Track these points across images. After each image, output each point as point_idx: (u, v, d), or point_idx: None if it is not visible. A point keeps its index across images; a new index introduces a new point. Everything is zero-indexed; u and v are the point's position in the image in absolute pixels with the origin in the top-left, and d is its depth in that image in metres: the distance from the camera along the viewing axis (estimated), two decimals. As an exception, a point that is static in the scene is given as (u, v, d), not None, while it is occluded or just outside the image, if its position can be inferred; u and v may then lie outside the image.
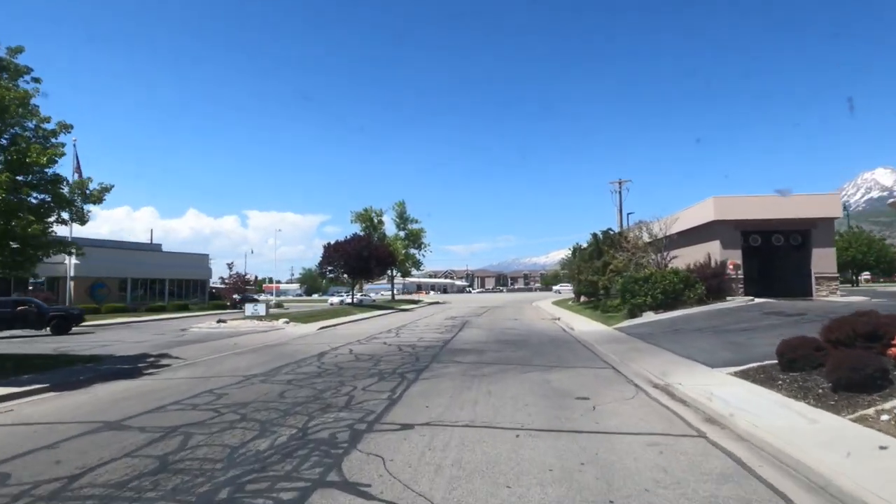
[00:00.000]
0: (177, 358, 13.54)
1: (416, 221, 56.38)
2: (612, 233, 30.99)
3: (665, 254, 25.08)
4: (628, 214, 52.43)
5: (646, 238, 26.49)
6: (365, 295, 66.33)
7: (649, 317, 20.79)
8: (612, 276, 28.73)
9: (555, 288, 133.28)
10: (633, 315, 21.74)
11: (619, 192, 54.45)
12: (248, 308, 23.45)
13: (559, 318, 26.70)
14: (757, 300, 21.41)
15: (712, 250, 24.49)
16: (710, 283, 22.45)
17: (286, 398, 8.18)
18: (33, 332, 21.90)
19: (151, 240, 66.26)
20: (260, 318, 23.55)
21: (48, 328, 21.85)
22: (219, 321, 23.31)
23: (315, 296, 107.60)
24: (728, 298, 22.30)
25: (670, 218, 26.00)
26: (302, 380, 9.78)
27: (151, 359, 13.25)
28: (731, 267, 23.35)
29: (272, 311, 48.96)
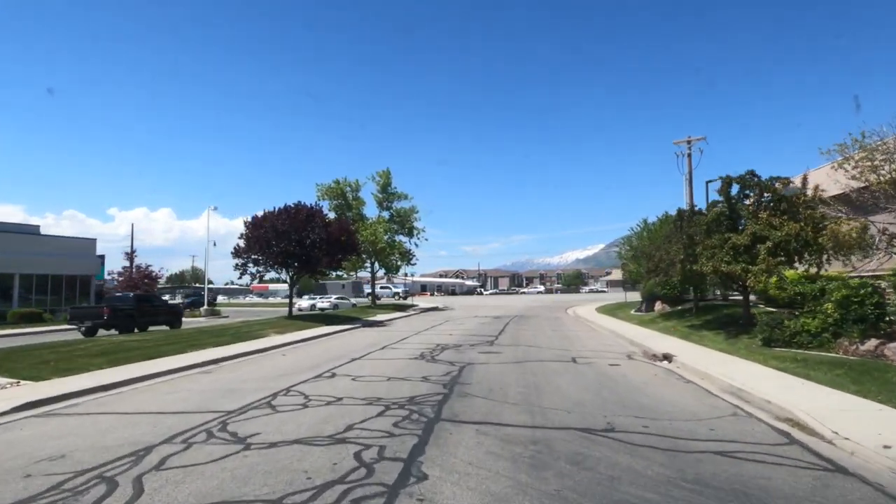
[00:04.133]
0: None
1: (406, 197, 41.54)
2: (762, 181, 15.34)
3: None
4: (707, 183, 36.96)
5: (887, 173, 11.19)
6: (343, 298, 51.59)
7: None
8: (777, 264, 13.49)
9: (585, 288, 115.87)
10: None
11: (689, 155, 39.15)
12: None
13: (671, 359, 11.57)
14: None
15: None
16: None
17: None
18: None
19: (132, 238, 52.08)
20: None
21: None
22: None
23: (304, 297, 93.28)
24: None
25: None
26: None
27: None
28: None
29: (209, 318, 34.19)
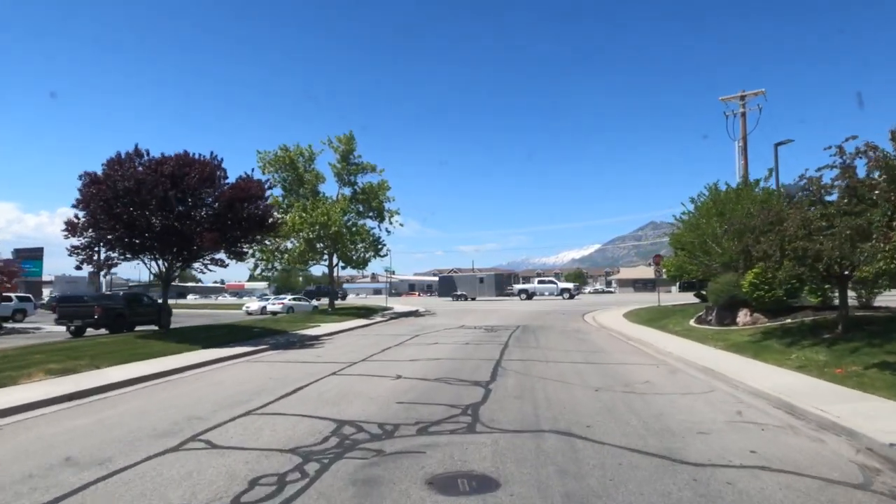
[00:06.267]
0: None
1: (373, 169, 32.00)
2: None
3: None
4: (777, 146, 27.48)
5: None
6: (300, 300, 42.18)
7: None
8: None
9: (587, 288, 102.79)
10: None
11: (743, 115, 30.20)
12: None
13: None
14: None
15: None
16: None
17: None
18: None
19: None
20: None
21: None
22: None
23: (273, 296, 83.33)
24: None
25: None
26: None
27: None
28: None
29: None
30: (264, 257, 29.40)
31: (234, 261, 17.31)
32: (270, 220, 16.98)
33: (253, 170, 17.58)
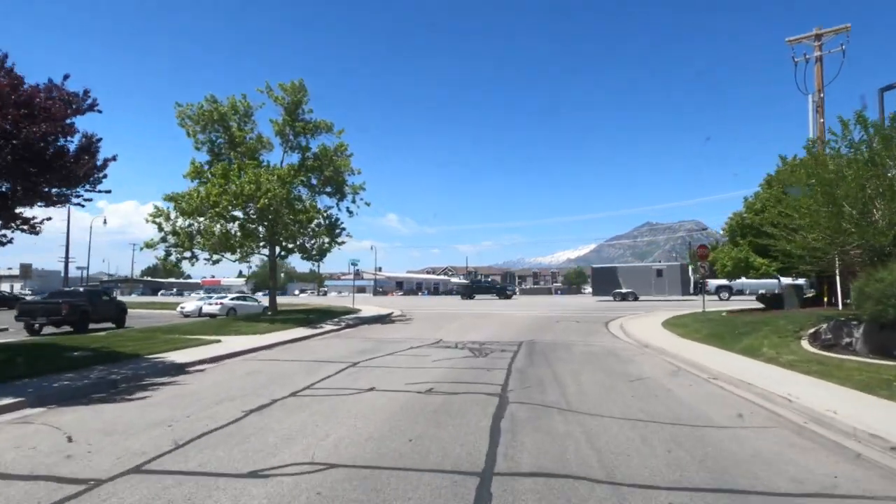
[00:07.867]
0: None
1: (329, 129, 24.38)
2: None
3: None
4: (883, 91, 19.95)
5: None
6: (242, 299, 34.46)
7: None
8: None
9: (588, 288, 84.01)
10: None
11: (819, 59, 22.88)
12: None
13: None
14: None
15: None
16: None
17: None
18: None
19: (68, 223, 34.39)
20: None
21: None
22: None
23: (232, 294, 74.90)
24: None
25: None
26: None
27: None
28: None
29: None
30: (179, 242, 21.87)
31: (13, 231, 9.91)
32: (82, 163, 9.43)
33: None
